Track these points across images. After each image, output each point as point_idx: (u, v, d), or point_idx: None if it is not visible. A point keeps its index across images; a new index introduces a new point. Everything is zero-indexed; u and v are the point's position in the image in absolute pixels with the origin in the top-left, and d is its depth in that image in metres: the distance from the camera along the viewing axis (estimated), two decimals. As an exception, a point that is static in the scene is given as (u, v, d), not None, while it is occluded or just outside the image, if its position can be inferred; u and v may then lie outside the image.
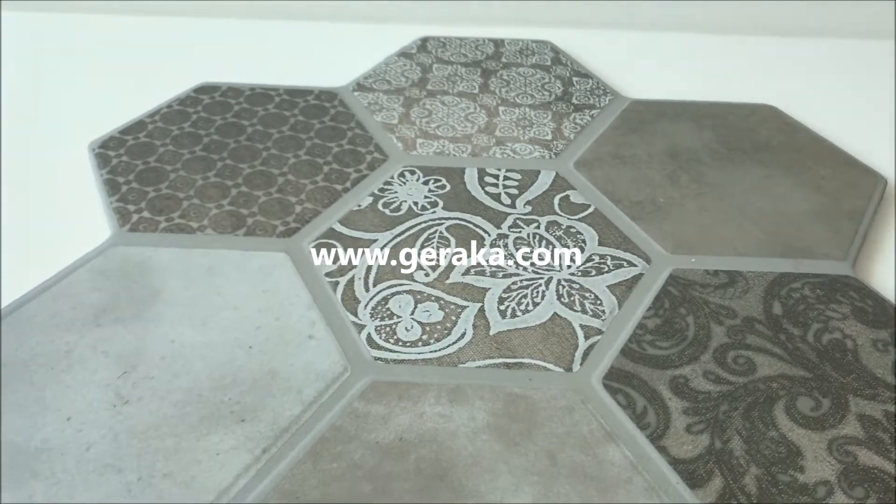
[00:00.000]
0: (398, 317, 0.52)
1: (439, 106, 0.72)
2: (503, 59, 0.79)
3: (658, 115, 0.72)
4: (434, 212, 0.61)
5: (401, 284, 0.55)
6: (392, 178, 0.64)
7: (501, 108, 0.72)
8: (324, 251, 0.57)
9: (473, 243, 0.58)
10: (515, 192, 0.63)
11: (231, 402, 0.47)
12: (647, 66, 0.82)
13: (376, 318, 0.52)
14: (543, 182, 0.64)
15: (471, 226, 0.59)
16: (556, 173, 0.64)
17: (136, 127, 0.69)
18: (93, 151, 0.66)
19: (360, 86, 0.75)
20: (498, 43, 0.82)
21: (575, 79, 0.76)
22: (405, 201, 0.62)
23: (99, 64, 0.81)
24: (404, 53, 0.80)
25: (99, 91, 0.76)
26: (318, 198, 0.62)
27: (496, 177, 0.64)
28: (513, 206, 0.61)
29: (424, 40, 0.82)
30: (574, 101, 0.73)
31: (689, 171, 0.65)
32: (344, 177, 0.64)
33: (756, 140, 0.69)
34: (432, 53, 0.80)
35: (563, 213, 0.60)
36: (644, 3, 0.86)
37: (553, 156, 0.66)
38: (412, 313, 0.52)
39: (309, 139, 0.68)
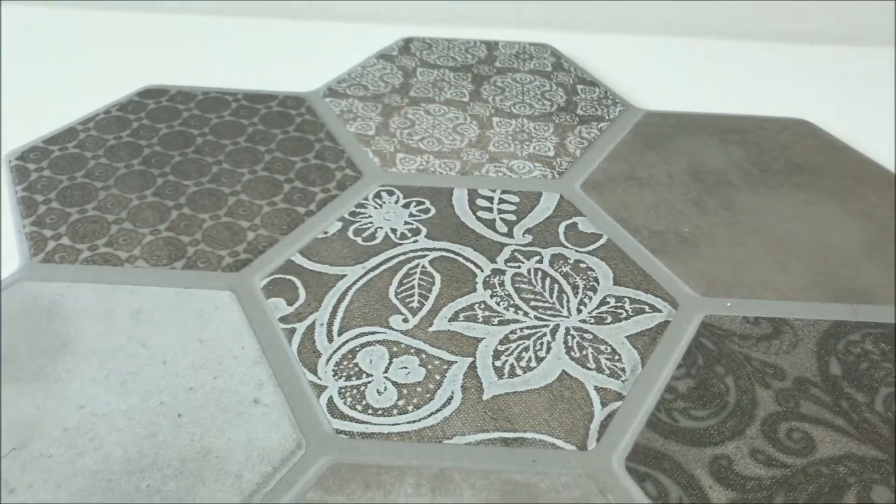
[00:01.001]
0: (368, 375, 0.42)
1: (423, 115, 0.62)
2: (497, 64, 0.69)
3: (677, 128, 0.62)
4: (416, 241, 0.50)
5: (373, 332, 0.44)
6: (366, 199, 0.53)
7: (496, 119, 0.62)
8: (279, 289, 0.46)
9: (463, 281, 0.47)
10: (513, 217, 0.52)
11: (149, 491, 0.36)
12: (659, 72, 0.72)
13: (341, 377, 0.41)
14: (546, 206, 0.53)
15: (460, 259, 0.49)
16: (561, 196, 0.54)
17: (65, 135, 0.58)
18: (9, 164, 0.55)
19: (331, 91, 0.65)
20: (491, 45, 0.72)
21: (579, 87, 0.66)
22: (381, 228, 0.51)
23: (29, 59, 0.70)
24: (384, 55, 0.70)
25: (25, 92, 0.65)
26: (275, 223, 0.51)
27: (490, 199, 0.54)
28: (510, 234, 0.51)
29: (407, 41, 0.72)
30: (579, 111, 0.63)
31: (718, 196, 0.55)
32: (308, 197, 0.53)
33: (792, 159, 0.59)
34: (416, 56, 0.70)
35: (569, 245, 0.50)
36: (654, 4, 0.77)
37: (556, 175, 0.56)
38: (386, 370, 0.42)
39: (269, 152, 0.57)
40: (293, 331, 0.44)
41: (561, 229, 0.52)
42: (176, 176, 0.55)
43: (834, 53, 0.76)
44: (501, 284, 0.47)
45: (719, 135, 0.61)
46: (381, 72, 0.67)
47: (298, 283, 0.47)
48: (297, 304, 0.46)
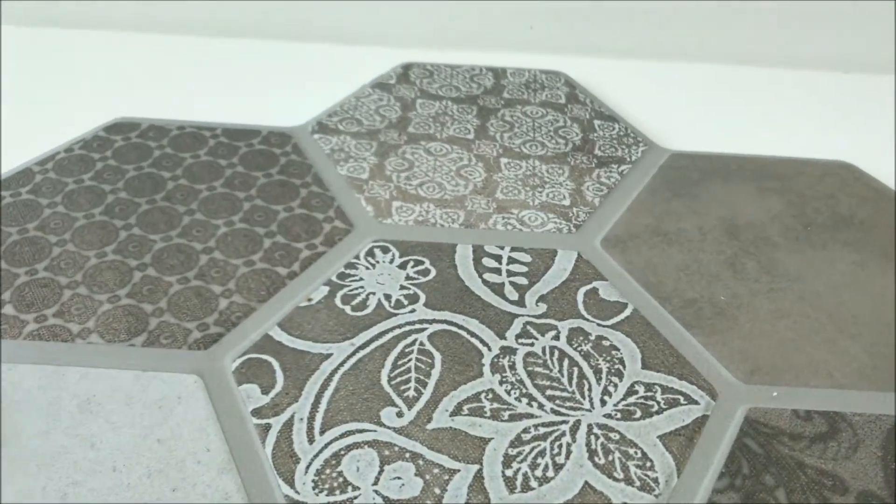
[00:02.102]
0: (355, 488, 0.35)
1: (423, 156, 0.55)
2: (505, 95, 0.63)
3: (707, 173, 0.55)
4: (413, 310, 0.44)
5: (361, 430, 0.37)
6: (357, 257, 0.47)
7: (504, 161, 0.55)
8: (253, 373, 0.40)
9: (467, 362, 0.41)
10: (524, 281, 0.46)
11: None
12: (684, 104, 0.66)
13: (322, 490, 0.35)
14: (562, 267, 0.47)
15: (464, 334, 0.42)
16: (579, 255, 0.48)
17: (20, 178, 0.52)
18: (-48, 213, 0.49)
19: (321, 126, 0.58)
20: (498, 73, 0.65)
21: (597, 122, 0.60)
22: (373, 294, 0.45)
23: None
24: (380, 84, 0.63)
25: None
26: (252, 287, 0.45)
27: (498, 258, 0.47)
28: (521, 302, 0.44)
29: (406, 67, 0.65)
30: (597, 151, 0.56)
31: (757, 256, 0.48)
32: (291, 255, 0.47)
33: (838, 211, 0.52)
34: (416, 85, 0.63)
35: (590, 317, 0.44)
36: (676, 27, 0.70)
37: (573, 229, 0.50)
38: (376, 482, 0.35)
39: (248, 199, 0.51)
40: (268, 428, 0.37)
41: (580, 297, 0.45)
42: (142, 229, 0.48)
43: (872, 84, 0.70)
44: (512, 367, 0.41)
45: (755, 181, 0.54)
46: (376, 103, 0.61)
47: (276, 364, 0.40)
48: (273, 393, 0.39)
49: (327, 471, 0.36)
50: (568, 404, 0.39)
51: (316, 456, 0.36)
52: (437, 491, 0.35)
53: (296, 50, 0.70)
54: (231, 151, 0.55)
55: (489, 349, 0.42)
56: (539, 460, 0.37)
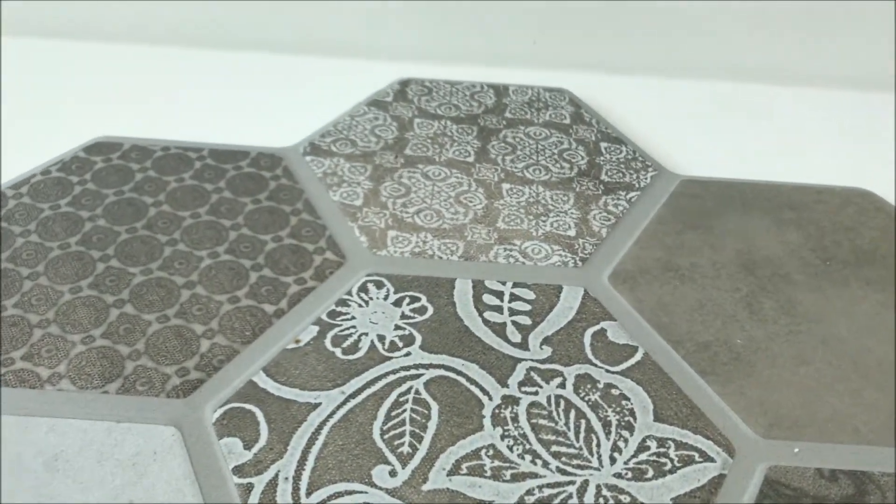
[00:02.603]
0: (343, 560, 0.32)
1: (421, 180, 0.53)
2: (507, 114, 0.60)
3: (720, 201, 0.52)
4: (409, 353, 0.41)
5: (351, 492, 0.34)
6: (350, 293, 0.44)
7: (506, 186, 0.52)
8: (235, 425, 0.37)
9: (466, 413, 0.38)
10: (527, 321, 0.43)
11: None
12: (694, 124, 0.63)
13: (308, 562, 0.32)
14: (567, 306, 0.44)
15: (462, 380, 0.40)
16: (585, 291, 0.45)
17: (-8, 203, 0.49)
18: (-83, 242, 0.46)
19: (313, 147, 0.55)
20: (500, 90, 0.62)
21: (603, 144, 0.57)
22: (366, 334, 0.42)
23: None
24: (376, 102, 0.60)
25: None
26: (236, 327, 0.42)
27: (500, 295, 0.44)
28: (524, 345, 0.42)
29: (404, 84, 0.62)
30: (604, 177, 0.53)
31: (775, 294, 0.45)
32: (279, 291, 0.44)
33: (859, 245, 0.49)
34: (413, 103, 0.60)
35: (598, 362, 0.41)
36: (685, 42, 0.67)
37: (579, 262, 0.47)
38: (366, 552, 0.32)
39: (235, 228, 0.48)
40: (250, 488, 0.34)
41: (587, 339, 0.42)
42: (120, 260, 0.45)
43: (891, 103, 0.67)
44: (515, 419, 0.38)
45: (771, 212, 0.52)
46: (372, 123, 0.58)
47: (260, 415, 0.37)
48: (256, 448, 0.36)
49: (313, 539, 0.33)
50: (575, 462, 0.36)
51: (301, 522, 0.33)
52: (433, 563, 0.32)
53: (289, 63, 0.67)
54: (218, 175, 0.52)
55: (490, 398, 0.39)
56: (544, 528, 0.34)
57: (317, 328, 0.42)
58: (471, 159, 0.55)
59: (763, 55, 0.68)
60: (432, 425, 0.37)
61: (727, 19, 0.66)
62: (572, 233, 0.49)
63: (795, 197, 0.53)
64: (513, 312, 0.44)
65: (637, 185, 0.53)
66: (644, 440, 0.37)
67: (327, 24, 0.67)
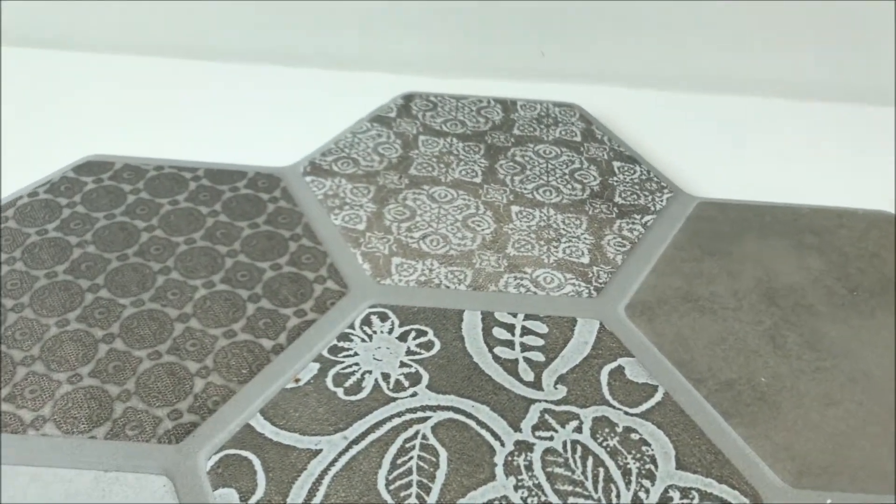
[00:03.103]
0: None
1: (426, 202, 0.50)
2: (515, 131, 0.57)
3: (739, 225, 0.50)
4: (415, 394, 0.38)
5: (355, 550, 0.32)
6: (352, 326, 0.42)
7: (515, 209, 0.50)
8: (231, 474, 0.34)
9: (477, 461, 0.36)
10: (541, 357, 0.41)
11: None
12: (711, 143, 0.60)
13: None
14: (582, 340, 0.42)
15: (473, 424, 0.37)
16: (601, 325, 0.42)
17: (-24, 227, 0.46)
18: None
19: (314, 166, 0.53)
20: (507, 105, 0.60)
21: (616, 164, 0.54)
22: (369, 373, 0.39)
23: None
24: (379, 118, 0.58)
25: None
26: (232, 364, 0.39)
27: (511, 328, 0.42)
28: (537, 384, 0.39)
29: (407, 98, 0.60)
30: (618, 199, 0.51)
31: (799, 327, 0.43)
32: (277, 324, 0.41)
33: (884, 272, 0.47)
34: (418, 119, 0.58)
35: (616, 403, 0.38)
36: (699, 58, 0.65)
37: (593, 292, 0.44)
38: None
39: (231, 255, 0.45)
40: (246, 546, 0.32)
41: (604, 377, 0.40)
42: (110, 290, 0.43)
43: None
44: (529, 468, 0.36)
45: (792, 236, 0.49)
46: (375, 140, 0.55)
47: (257, 463, 0.35)
48: (253, 500, 0.34)
49: None
50: (593, 515, 0.34)
51: (302, 585, 0.31)
52: None
53: (288, 75, 0.65)
54: (213, 196, 0.50)
55: (502, 444, 0.37)
56: (562, 590, 0.31)
57: (317, 365, 0.40)
58: (478, 180, 0.53)
59: (780, 69, 0.65)
60: (441, 475, 0.35)
61: (744, 30, 0.64)
62: (586, 260, 0.47)
63: (816, 220, 0.51)
64: (525, 348, 0.41)
65: (652, 208, 0.51)
66: (666, 490, 0.35)
67: (327, 34, 0.65)
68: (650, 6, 0.63)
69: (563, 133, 0.58)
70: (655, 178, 0.53)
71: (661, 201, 0.52)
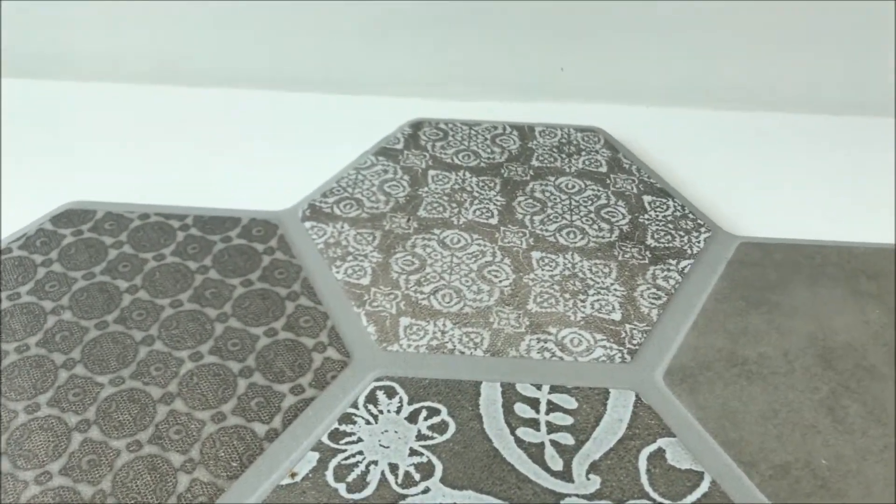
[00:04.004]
0: None
1: (437, 249, 0.45)
2: (534, 161, 0.52)
3: (785, 270, 0.45)
4: (427, 489, 0.34)
5: None
6: (356, 405, 0.37)
7: (536, 255, 0.45)
8: None
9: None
10: (570, 440, 0.36)
11: None
12: (747, 168, 0.55)
13: None
14: (616, 417, 0.37)
15: (493, 526, 0.32)
16: (637, 397, 0.38)
17: (-58, 292, 0.42)
18: None
19: (314, 210, 0.48)
20: (525, 132, 0.55)
21: (646, 198, 0.49)
22: (374, 464, 0.35)
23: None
24: (385, 150, 0.53)
25: None
26: (220, 456, 0.35)
27: (535, 404, 0.37)
28: (567, 475, 0.34)
29: (416, 127, 0.55)
30: (650, 241, 0.46)
31: (861, 394, 0.38)
32: (272, 404, 0.37)
33: (954, 324, 0.42)
34: (427, 150, 0.53)
35: (658, 496, 0.34)
36: (730, 72, 0.59)
37: (626, 355, 0.40)
38: None
39: (221, 318, 0.41)
40: None
41: (642, 463, 0.35)
42: (87, 366, 0.38)
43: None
44: (559, 582, 0.31)
45: (846, 282, 0.44)
46: (380, 177, 0.51)
47: (248, 583, 0.31)
48: None
49: None
50: None
51: None
52: None
53: (287, 102, 0.60)
54: (203, 249, 0.45)
55: (528, 552, 0.32)
56: None
57: (316, 455, 0.35)
58: (494, 221, 0.48)
59: (817, 83, 0.60)
60: (458, 593, 0.30)
61: (782, 40, 0.58)
62: (617, 316, 0.42)
63: (872, 261, 0.46)
64: (551, 428, 0.36)
65: (689, 252, 0.46)
66: None
67: (328, 55, 0.60)
68: (678, 17, 0.57)
69: (587, 163, 0.52)
70: (691, 215, 0.48)
71: (699, 242, 0.46)
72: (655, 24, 0.57)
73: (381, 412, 0.37)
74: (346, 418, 0.37)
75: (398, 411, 0.37)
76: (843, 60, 0.58)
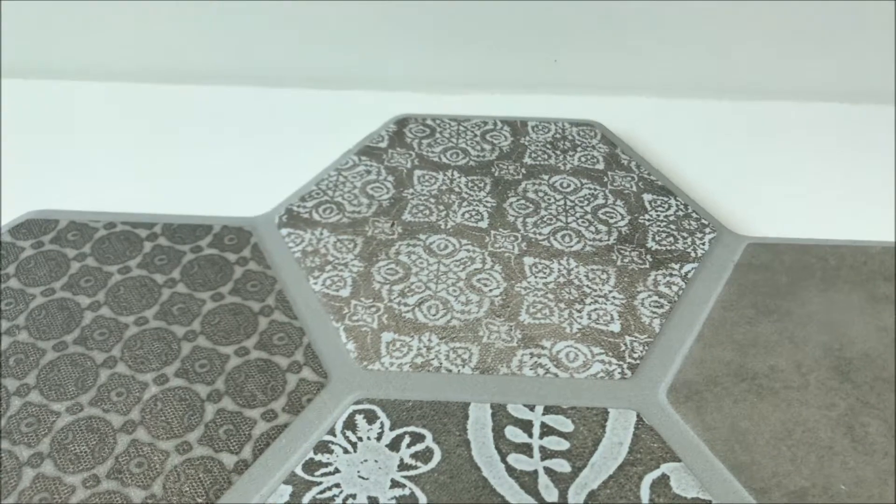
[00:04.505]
0: None
1: (423, 256, 0.42)
2: (527, 159, 0.49)
3: (797, 274, 0.42)
4: (410, 524, 0.31)
5: None
6: (333, 431, 0.34)
7: (528, 261, 0.42)
8: None
9: None
10: (566, 467, 0.33)
11: None
12: (754, 162, 0.52)
13: None
14: (616, 440, 0.34)
15: (482, 567, 0.30)
16: (639, 417, 0.35)
17: None
18: None
19: (291, 215, 0.45)
20: (517, 127, 0.52)
21: (647, 197, 0.46)
22: (353, 497, 0.32)
23: None
24: (368, 149, 0.50)
25: None
26: (185, 491, 0.32)
27: (527, 427, 0.34)
28: (562, 504, 0.31)
29: (401, 123, 0.52)
30: (651, 243, 0.43)
31: (881, 410, 0.35)
32: (242, 432, 0.34)
33: (980, 330, 0.39)
34: (413, 148, 0.50)
35: (661, 530, 0.31)
36: (739, 59, 0.56)
37: (626, 370, 0.36)
38: None
39: (189, 338, 0.38)
40: None
41: (644, 491, 0.32)
42: (42, 392, 0.36)
43: None
44: None
45: (862, 286, 0.41)
46: (363, 178, 0.48)
47: None
48: None
49: None
50: None
51: None
52: None
53: (265, 98, 0.57)
54: (172, 259, 0.42)
55: None
56: None
57: (289, 489, 0.32)
58: (484, 224, 0.45)
59: (830, 69, 0.56)
60: None
61: (787, 27, 0.55)
62: (616, 327, 0.39)
63: (889, 262, 0.43)
64: (546, 454, 0.33)
65: (693, 255, 0.43)
66: None
67: (309, 48, 0.57)
68: (676, 4, 0.54)
69: (583, 159, 0.49)
70: (694, 214, 0.45)
71: (703, 244, 0.43)
72: (654, 10, 0.54)
73: (360, 439, 0.34)
74: (323, 447, 0.34)
75: (379, 438, 0.34)
76: (852, 45, 0.55)
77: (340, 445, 0.34)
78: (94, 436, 0.34)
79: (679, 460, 0.33)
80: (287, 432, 0.34)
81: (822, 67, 0.55)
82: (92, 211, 0.45)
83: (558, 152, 0.50)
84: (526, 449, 0.34)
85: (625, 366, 0.37)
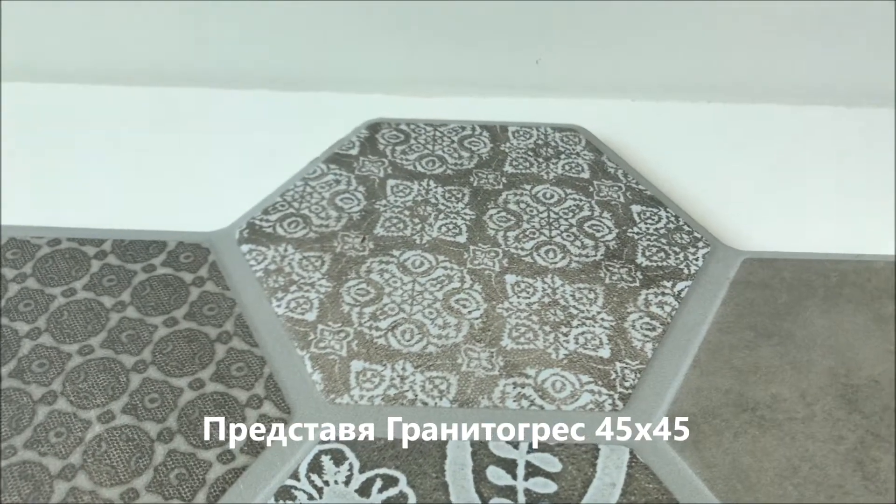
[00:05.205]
0: None
1: (396, 274, 0.39)
2: (507, 168, 0.46)
3: (797, 292, 0.39)
4: (381, 581, 0.28)
5: None
6: (297, 475, 0.31)
7: (510, 280, 0.39)
8: None
9: None
10: (552, 511, 0.30)
11: None
12: (749, 167, 0.49)
13: None
14: (608, 481, 0.31)
15: None
16: (632, 455, 0.32)
17: None
18: None
19: (253, 230, 0.41)
20: (496, 133, 0.48)
21: (635, 208, 0.43)
22: (320, 550, 0.28)
23: None
24: (337, 157, 0.46)
25: None
26: (130, 549, 0.28)
27: (511, 467, 0.31)
28: (549, 556, 0.28)
29: (373, 129, 0.48)
30: (641, 259, 0.40)
31: (891, 442, 0.32)
32: (195, 477, 0.31)
33: None
34: (386, 155, 0.46)
35: (659, 585, 0.28)
36: (730, 61, 0.53)
37: (617, 401, 0.34)
38: None
39: (138, 369, 0.34)
40: None
41: (639, 540, 0.29)
42: (-29, 434, 0.32)
43: None
44: None
45: (867, 305, 0.38)
46: (332, 188, 0.44)
47: None
48: None
49: None
50: None
51: None
52: None
53: (223, 101, 0.53)
54: (123, 279, 0.38)
55: None
56: None
57: (247, 543, 0.29)
58: (462, 238, 0.41)
59: (825, 70, 0.54)
60: None
61: (779, 28, 0.52)
62: (606, 353, 0.36)
63: (891, 277, 0.40)
64: (531, 498, 0.30)
65: (686, 271, 0.40)
66: None
67: (274, 46, 0.53)
68: (663, 4, 0.51)
69: (567, 168, 0.46)
70: (686, 227, 0.42)
71: (696, 260, 0.40)
72: (640, 9, 0.51)
73: (326, 483, 0.31)
74: (285, 493, 0.30)
75: (347, 482, 0.31)
76: (847, 47, 0.52)
77: (305, 491, 0.31)
78: (27, 484, 0.31)
79: (677, 503, 0.30)
80: (245, 477, 0.31)
81: (819, 69, 0.52)
82: (34, 226, 0.42)
83: (541, 160, 0.47)
84: (510, 493, 0.31)
85: (616, 396, 0.34)
